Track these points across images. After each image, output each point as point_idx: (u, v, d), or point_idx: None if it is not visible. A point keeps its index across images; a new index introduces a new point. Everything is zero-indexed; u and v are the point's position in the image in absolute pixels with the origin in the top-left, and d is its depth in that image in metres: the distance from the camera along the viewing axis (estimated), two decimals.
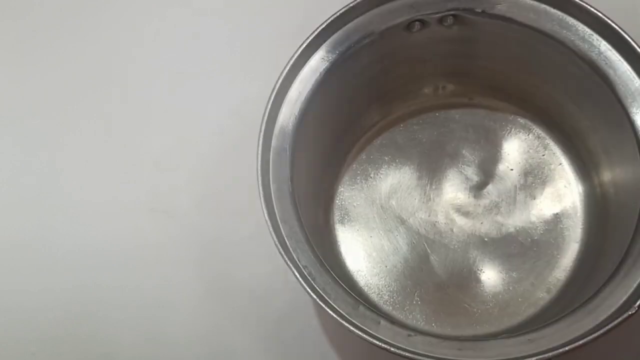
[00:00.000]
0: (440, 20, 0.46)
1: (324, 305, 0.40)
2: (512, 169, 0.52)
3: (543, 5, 0.45)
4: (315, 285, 0.40)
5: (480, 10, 0.46)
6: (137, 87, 0.57)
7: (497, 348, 0.39)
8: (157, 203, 0.54)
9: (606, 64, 0.44)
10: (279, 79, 0.44)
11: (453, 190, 0.51)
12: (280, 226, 0.42)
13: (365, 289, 0.50)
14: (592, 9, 0.44)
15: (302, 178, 0.45)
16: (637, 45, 0.43)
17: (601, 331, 0.38)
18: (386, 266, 0.50)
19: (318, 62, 0.45)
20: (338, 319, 0.39)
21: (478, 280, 0.49)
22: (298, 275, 0.40)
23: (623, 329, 0.38)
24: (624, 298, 0.40)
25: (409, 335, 0.39)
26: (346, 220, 0.51)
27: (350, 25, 0.46)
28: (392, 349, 0.39)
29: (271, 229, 0.41)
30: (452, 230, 0.51)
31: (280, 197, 0.43)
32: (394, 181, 0.52)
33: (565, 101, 0.49)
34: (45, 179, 0.55)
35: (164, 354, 0.51)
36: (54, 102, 0.57)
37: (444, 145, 0.52)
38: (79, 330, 0.52)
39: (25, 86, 0.58)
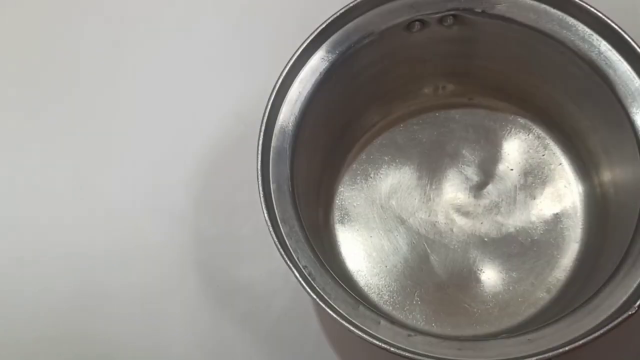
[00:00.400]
0: (440, 20, 0.46)
1: (324, 305, 0.40)
2: (512, 169, 0.52)
3: (543, 5, 0.45)
4: (315, 285, 0.40)
5: (480, 10, 0.46)
6: (137, 87, 0.57)
7: (497, 348, 0.39)
8: (157, 203, 0.54)
9: (606, 64, 0.44)
10: (279, 79, 0.44)
11: (453, 190, 0.51)
12: (280, 226, 0.42)
13: (365, 289, 0.50)
14: (592, 9, 0.44)
15: (302, 178, 0.45)
16: (637, 45, 0.43)
17: (601, 331, 0.38)
18: (386, 266, 0.50)
19: (318, 62, 0.45)
20: (338, 319, 0.39)
21: (478, 280, 0.49)
22: (298, 275, 0.40)
23: (623, 329, 0.38)
24: (624, 298, 0.40)
25: (409, 335, 0.39)
26: (346, 220, 0.51)
27: (350, 25, 0.46)
28: (392, 349, 0.39)
29: (271, 229, 0.41)
30: (452, 230, 0.51)
31: (280, 197, 0.43)
32: (394, 181, 0.52)
33: (565, 101, 0.49)
34: (45, 179, 0.55)
35: (163, 354, 0.51)
36: (53, 102, 0.57)
37: (444, 145, 0.52)
38: (79, 330, 0.52)
39: (24, 86, 0.58)
